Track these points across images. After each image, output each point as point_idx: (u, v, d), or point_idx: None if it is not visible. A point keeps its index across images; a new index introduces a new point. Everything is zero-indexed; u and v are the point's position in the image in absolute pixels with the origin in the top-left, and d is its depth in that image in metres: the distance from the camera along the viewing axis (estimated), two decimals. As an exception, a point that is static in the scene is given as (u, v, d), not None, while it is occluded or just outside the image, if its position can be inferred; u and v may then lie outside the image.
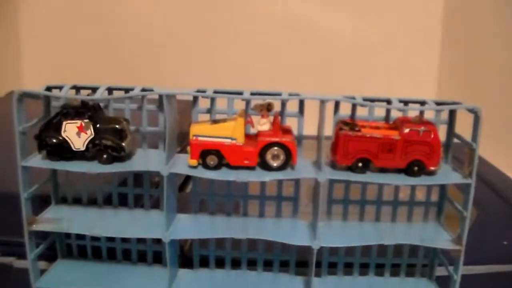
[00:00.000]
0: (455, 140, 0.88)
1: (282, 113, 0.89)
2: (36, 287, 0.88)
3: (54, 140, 0.84)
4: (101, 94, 0.83)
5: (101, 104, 0.89)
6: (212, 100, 0.88)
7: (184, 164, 0.84)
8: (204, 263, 0.95)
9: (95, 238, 0.94)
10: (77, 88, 0.88)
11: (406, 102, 0.85)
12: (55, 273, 0.92)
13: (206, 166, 0.83)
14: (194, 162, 0.83)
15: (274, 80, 1.84)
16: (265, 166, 0.83)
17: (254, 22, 1.90)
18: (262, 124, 0.84)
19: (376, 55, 1.90)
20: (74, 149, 0.85)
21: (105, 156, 0.84)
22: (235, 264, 0.95)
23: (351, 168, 0.84)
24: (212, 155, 0.83)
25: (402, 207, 0.93)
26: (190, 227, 0.89)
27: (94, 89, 0.86)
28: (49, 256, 0.94)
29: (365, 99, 0.83)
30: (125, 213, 0.94)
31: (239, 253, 0.94)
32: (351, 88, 0.95)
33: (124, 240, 0.95)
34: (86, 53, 1.97)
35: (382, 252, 0.93)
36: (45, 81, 0.86)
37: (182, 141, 0.94)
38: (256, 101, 0.84)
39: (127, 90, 0.85)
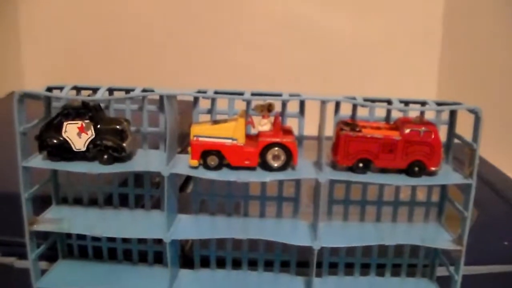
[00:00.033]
0: (456, 141, 0.88)
1: (282, 114, 0.89)
2: (37, 287, 0.88)
3: (55, 141, 0.84)
4: (101, 94, 0.83)
5: (102, 105, 0.89)
6: (213, 100, 0.88)
7: (184, 164, 0.84)
8: (205, 263, 0.95)
9: (96, 238, 0.94)
10: (78, 89, 0.88)
11: (406, 103, 0.85)
12: (56, 273, 0.92)
13: (206, 166, 0.83)
14: (194, 162, 0.83)
15: (274, 80, 1.84)
16: (266, 167, 0.83)
17: (254, 22, 1.90)
18: (263, 125, 0.84)
19: (376, 55, 1.90)
20: (75, 150, 0.85)
21: (105, 156, 0.84)
22: (236, 264, 0.95)
23: (352, 169, 0.84)
24: (213, 156, 0.83)
25: (403, 208, 0.93)
26: (191, 227, 0.89)
27: (94, 90, 0.86)
28: (50, 256, 0.94)
29: (365, 100, 0.83)
30: (126, 214, 0.94)
31: (240, 253, 0.94)
32: (351, 89, 0.95)
33: (125, 240, 0.95)
34: (87, 53, 1.98)
35: (383, 252, 0.93)
36: (46, 81, 0.86)
37: (182, 142, 0.94)
38: (256, 101, 0.84)
39: (127, 91, 0.85)
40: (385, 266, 0.94)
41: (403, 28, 1.88)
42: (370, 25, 1.88)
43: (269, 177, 0.83)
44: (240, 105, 0.87)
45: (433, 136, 0.82)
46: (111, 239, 0.95)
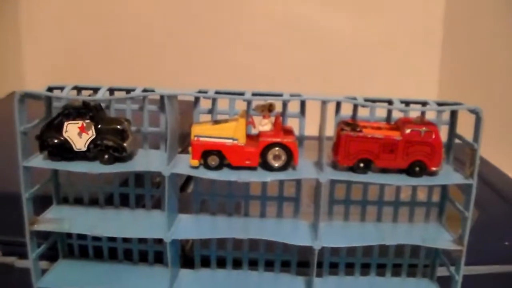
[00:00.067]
0: (457, 141, 0.88)
1: (283, 114, 0.89)
2: (37, 287, 0.88)
3: (56, 141, 0.84)
4: (102, 94, 0.83)
5: (103, 105, 0.89)
6: (214, 100, 0.88)
7: (185, 164, 0.84)
8: (205, 263, 0.95)
9: (96, 238, 0.94)
10: (79, 89, 0.88)
11: (407, 103, 0.85)
12: (56, 273, 0.92)
13: (207, 166, 0.83)
14: (195, 162, 0.83)
15: (274, 81, 1.84)
16: (267, 167, 0.83)
17: (254, 22, 1.90)
18: (264, 125, 0.84)
19: (377, 55, 1.90)
20: (76, 150, 0.85)
21: (106, 156, 0.84)
22: (237, 264, 0.95)
23: (353, 169, 0.84)
24: (214, 156, 0.83)
25: (404, 208, 0.93)
26: (191, 227, 0.89)
27: (95, 90, 0.86)
28: (51, 256, 0.94)
29: (366, 100, 0.83)
30: (127, 213, 0.94)
31: (241, 253, 0.94)
32: (352, 89, 0.95)
33: (125, 240, 0.95)
34: (87, 53, 1.98)
35: (384, 252, 0.93)
36: (46, 81, 0.86)
37: (183, 142, 0.95)
38: (257, 101, 0.84)
39: (128, 91, 0.85)
40: (385, 266, 0.94)
41: (403, 28, 1.88)
42: (370, 25, 1.88)
43: (269, 177, 0.83)
44: (240, 105, 0.87)
45: (433, 136, 0.82)
46: (112, 239, 0.95)
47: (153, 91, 0.83)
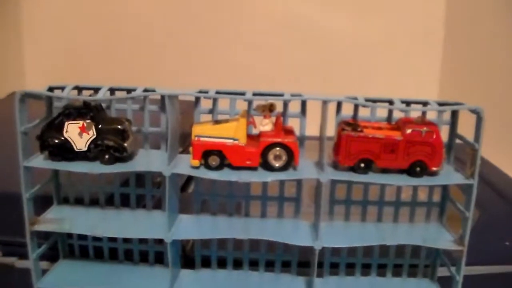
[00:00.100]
0: (457, 141, 0.88)
1: (284, 114, 0.89)
2: (38, 287, 0.88)
3: (56, 141, 0.84)
4: (103, 94, 0.83)
5: (103, 105, 0.89)
6: (214, 100, 0.88)
7: (186, 164, 0.84)
8: (206, 263, 0.95)
9: (97, 238, 0.94)
10: (79, 89, 0.88)
11: (408, 103, 0.85)
12: (57, 273, 0.92)
13: (208, 166, 0.83)
14: (196, 162, 0.83)
15: (275, 81, 1.84)
16: (267, 167, 0.83)
17: (254, 22, 1.90)
18: (264, 125, 0.84)
19: (377, 55, 1.90)
20: (76, 150, 0.84)
21: (107, 156, 0.84)
22: (237, 264, 0.95)
23: (353, 169, 0.84)
24: (214, 156, 0.82)
25: (404, 208, 0.93)
26: (192, 227, 0.89)
27: (96, 90, 0.86)
28: (51, 256, 0.94)
29: (367, 100, 0.83)
30: (127, 214, 0.94)
31: (241, 254, 0.94)
32: (352, 89, 0.95)
33: (126, 240, 0.95)
34: (88, 53, 1.98)
35: (384, 252, 0.93)
36: (47, 81, 0.86)
37: (184, 142, 0.95)
38: (258, 101, 0.84)
39: (129, 91, 0.85)
40: (386, 266, 0.94)
41: (404, 28, 1.88)
42: (371, 25, 1.88)
43: (270, 177, 0.83)
44: (241, 105, 0.87)
45: (434, 136, 0.82)
46: (112, 239, 0.95)
47: (154, 91, 0.83)
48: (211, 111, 0.89)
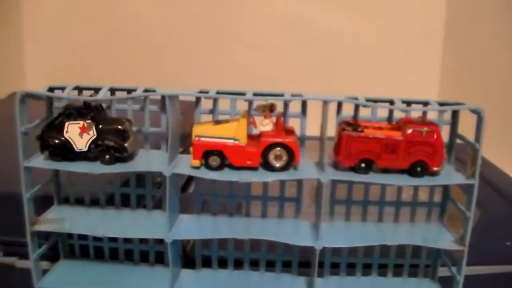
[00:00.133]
0: (458, 141, 0.88)
1: (284, 114, 0.89)
2: (38, 287, 0.88)
3: (57, 141, 0.84)
4: (103, 94, 0.83)
5: (104, 105, 0.89)
6: (215, 100, 0.88)
7: (186, 164, 0.84)
8: (206, 263, 0.95)
9: (97, 239, 0.94)
10: (80, 89, 0.87)
11: (409, 103, 0.85)
12: (57, 273, 0.92)
13: (208, 166, 0.83)
14: (196, 162, 0.83)
15: (274, 81, 1.84)
16: (268, 167, 0.83)
17: (254, 22, 1.90)
18: (265, 125, 0.84)
19: (378, 55, 1.90)
20: (77, 150, 0.84)
21: (107, 156, 0.84)
22: (238, 264, 0.95)
23: (354, 169, 0.84)
24: (215, 156, 0.82)
25: (405, 208, 0.93)
26: (192, 227, 0.89)
27: (96, 90, 0.86)
28: (52, 256, 0.94)
29: (367, 100, 0.83)
30: (128, 214, 0.93)
31: (242, 254, 0.94)
32: (352, 89, 0.95)
33: (126, 240, 0.95)
34: (88, 54, 1.98)
35: (385, 252, 0.93)
36: (47, 82, 0.86)
37: (184, 142, 0.95)
38: (258, 101, 0.84)
39: (129, 91, 0.85)
40: (387, 266, 0.94)
41: (404, 28, 1.88)
42: (371, 25, 1.88)
43: (271, 177, 0.83)
44: (242, 105, 0.87)
45: (435, 136, 0.82)
46: (113, 239, 0.95)
47: (154, 91, 0.83)
48: (211, 111, 0.89)
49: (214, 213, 0.93)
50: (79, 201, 0.95)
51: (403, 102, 0.84)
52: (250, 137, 0.84)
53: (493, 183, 1.20)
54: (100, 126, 0.85)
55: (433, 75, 1.92)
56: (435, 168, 0.83)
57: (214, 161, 0.82)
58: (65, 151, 0.84)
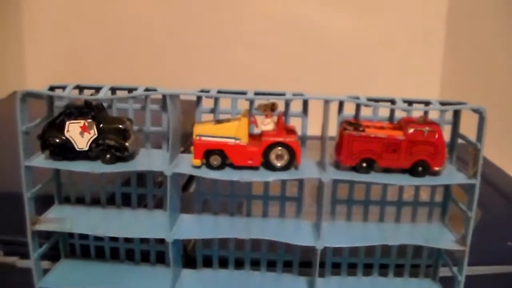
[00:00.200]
0: (460, 141, 0.88)
1: (286, 113, 0.89)
2: (39, 287, 0.88)
3: (57, 140, 0.84)
4: (104, 94, 0.83)
5: (105, 104, 0.89)
6: (216, 100, 0.88)
7: (187, 164, 0.84)
8: (207, 263, 0.95)
9: (98, 238, 0.94)
10: (80, 88, 0.87)
11: (410, 102, 0.84)
12: (58, 273, 0.92)
13: (209, 166, 0.83)
14: (197, 162, 0.82)
15: (274, 81, 1.83)
16: (269, 166, 0.83)
17: (254, 22, 1.90)
18: (266, 124, 0.84)
19: (378, 55, 1.89)
20: (77, 149, 0.84)
21: (108, 156, 0.84)
22: (239, 264, 0.95)
23: (355, 168, 0.84)
24: (216, 155, 0.82)
25: (406, 208, 0.92)
26: (193, 227, 0.89)
27: (97, 89, 0.85)
28: (52, 255, 0.94)
29: (369, 99, 0.83)
30: (129, 213, 0.93)
31: (243, 253, 0.94)
32: (353, 89, 0.94)
33: (127, 240, 0.95)
34: (88, 53, 1.97)
35: (386, 252, 0.93)
36: (48, 81, 0.86)
37: (185, 141, 0.94)
38: (259, 101, 0.84)
39: (130, 90, 0.85)
40: (388, 266, 0.94)
41: (405, 28, 1.88)
42: (371, 25, 1.88)
43: (272, 177, 0.82)
44: (243, 105, 0.87)
45: (437, 136, 0.82)
46: (114, 239, 0.95)
47: (155, 90, 0.83)
48: (212, 111, 0.89)
49: (215, 213, 0.93)
50: (80, 201, 0.95)
51: (405, 101, 0.83)
52: (251, 136, 0.84)
53: (494, 183, 1.20)
54: (101, 125, 0.85)
55: (434, 75, 1.92)
56: (437, 168, 0.83)
57: (215, 160, 0.82)
58: (66, 151, 0.84)
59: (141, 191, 0.94)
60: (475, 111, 0.80)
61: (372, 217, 0.92)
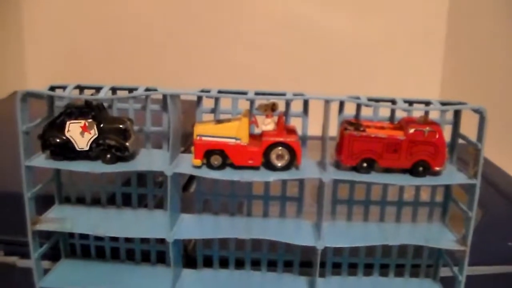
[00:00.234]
0: (460, 141, 0.88)
1: (286, 113, 0.88)
2: (39, 287, 0.88)
3: (58, 140, 0.84)
4: (105, 93, 0.83)
5: (105, 104, 0.89)
6: (216, 100, 0.88)
7: (188, 164, 0.84)
8: (207, 263, 0.95)
9: (98, 238, 0.94)
10: (81, 88, 0.87)
11: (411, 102, 0.84)
12: (58, 272, 0.92)
13: (210, 166, 0.83)
14: (198, 162, 0.82)
15: (274, 81, 1.83)
16: (270, 166, 0.83)
17: (254, 22, 1.90)
18: (267, 124, 0.84)
19: (378, 55, 1.89)
20: (78, 149, 0.84)
21: (108, 156, 0.84)
22: (239, 264, 0.95)
23: (356, 168, 0.84)
24: (216, 155, 0.82)
25: (407, 208, 0.92)
26: (194, 227, 0.89)
27: (97, 89, 0.85)
28: (53, 255, 0.94)
29: (369, 99, 0.83)
30: (129, 213, 0.93)
31: (243, 253, 0.94)
32: (353, 89, 0.94)
33: (127, 240, 0.95)
34: (89, 53, 1.97)
35: (387, 252, 0.93)
36: (48, 81, 0.86)
37: (186, 141, 0.94)
38: (260, 101, 0.84)
39: (131, 90, 0.85)
40: (388, 266, 0.94)
41: (405, 28, 1.87)
42: (371, 25, 1.88)
43: (272, 177, 0.82)
44: (243, 105, 0.87)
45: (437, 136, 0.82)
46: (114, 239, 0.95)
47: (155, 90, 0.83)
48: (213, 111, 0.89)
49: (215, 213, 0.93)
50: (80, 201, 0.95)
51: (405, 101, 0.83)
52: (252, 136, 0.84)
53: (495, 183, 1.20)
54: (101, 125, 0.85)
55: (434, 75, 1.92)
56: (437, 168, 0.83)
57: (216, 160, 0.82)
58: (66, 150, 0.84)
59: (142, 191, 0.94)
60: (476, 111, 0.80)
61: (373, 217, 0.93)
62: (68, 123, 0.84)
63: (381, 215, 0.92)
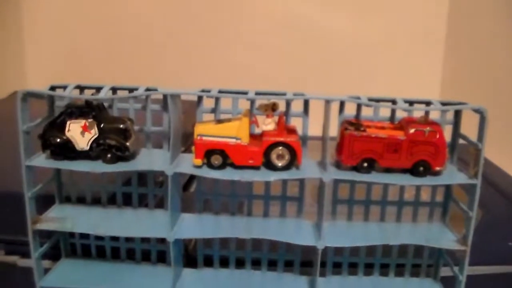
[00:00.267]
0: (461, 141, 0.88)
1: (287, 113, 0.88)
2: (40, 286, 0.88)
3: (58, 140, 0.84)
4: (105, 93, 0.83)
5: (105, 104, 0.89)
6: (217, 99, 0.88)
7: (188, 163, 0.84)
8: (208, 262, 0.95)
9: (99, 237, 0.94)
10: (81, 88, 0.87)
11: (411, 103, 0.84)
12: (59, 272, 0.92)
13: (210, 165, 0.83)
14: (198, 161, 0.82)
15: (274, 81, 1.83)
16: (270, 166, 0.83)
17: (254, 22, 1.90)
18: (267, 124, 0.84)
19: (379, 55, 1.89)
20: (78, 149, 0.84)
21: (109, 155, 0.84)
22: (240, 263, 0.95)
23: (356, 168, 0.84)
24: (217, 155, 0.82)
25: (407, 207, 0.93)
26: (194, 226, 0.89)
27: (98, 89, 0.85)
28: (53, 255, 0.94)
29: (370, 99, 0.83)
30: (129, 213, 0.93)
31: (244, 253, 0.94)
32: (353, 89, 0.94)
33: (128, 239, 0.95)
34: (89, 53, 1.97)
35: (387, 252, 0.93)
36: (48, 81, 0.86)
37: (186, 141, 0.94)
38: (260, 101, 0.84)
39: (131, 90, 0.85)
40: (389, 266, 0.94)
41: (405, 28, 1.88)
42: (371, 25, 1.88)
43: (273, 177, 0.82)
44: (244, 105, 0.87)
45: (437, 136, 0.82)
46: (115, 238, 0.95)
47: (156, 90, 0.83)
48: (213, 111, 0.89)
49: (216, 212, 0.93)
50: (81, 200, 0.95)
51: (406, 101, 0.83)
52: (252, 136, 0.84)
53: (495, 183, 1.20)
54: (102, 125, 0.85)
55: (434, 75, 1.92)
56: (438, 168, 0.83)
57: (216, 160, 0.82)
58: (67, 150, 0.84)
59: (142, 191, 0.94)
60: (476, 111, 0.80)
61: (373, 217, 0.93)
62: (68, 123, 0.84)
63: (382, 215, 0.92)
